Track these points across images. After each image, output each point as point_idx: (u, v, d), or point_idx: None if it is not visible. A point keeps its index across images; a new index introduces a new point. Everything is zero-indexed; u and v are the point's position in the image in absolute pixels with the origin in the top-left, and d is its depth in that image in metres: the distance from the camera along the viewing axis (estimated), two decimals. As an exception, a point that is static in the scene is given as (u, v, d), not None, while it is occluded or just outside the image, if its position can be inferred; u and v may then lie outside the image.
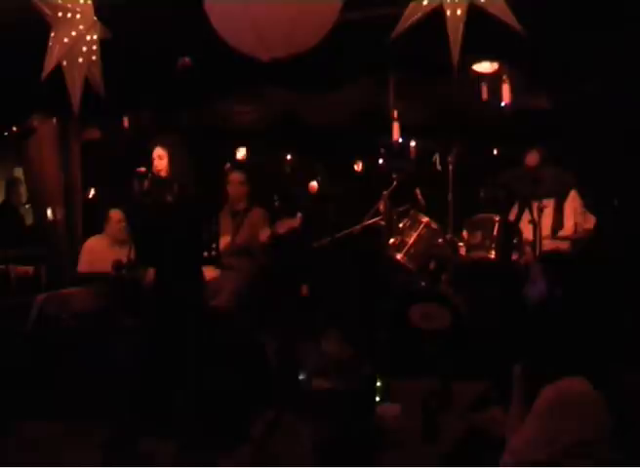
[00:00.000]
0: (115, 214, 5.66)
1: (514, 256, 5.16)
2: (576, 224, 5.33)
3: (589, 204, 5.42)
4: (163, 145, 4.92)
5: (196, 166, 4.95)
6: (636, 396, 2.47)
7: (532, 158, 5.42)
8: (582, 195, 5.41)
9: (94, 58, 4.14)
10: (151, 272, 4.82)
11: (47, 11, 3.97)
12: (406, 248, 5.23)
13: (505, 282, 4.93)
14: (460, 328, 4.79)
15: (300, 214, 5.16)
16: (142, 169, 4.69)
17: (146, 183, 4.66)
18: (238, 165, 6.02)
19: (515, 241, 5.20)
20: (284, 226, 5.22)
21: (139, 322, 4.50)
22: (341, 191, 7.20)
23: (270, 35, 3.50)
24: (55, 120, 6.31)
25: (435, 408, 3.12)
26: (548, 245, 5.15)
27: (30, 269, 6.07)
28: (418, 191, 5.60)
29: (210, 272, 5.01)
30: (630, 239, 5.33)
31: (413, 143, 6.85)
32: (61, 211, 6.42)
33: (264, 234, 5.30)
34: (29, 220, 7.04)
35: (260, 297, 5.28)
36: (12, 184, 7.19)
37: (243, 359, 3.31)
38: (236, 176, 5.67)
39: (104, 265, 5.12)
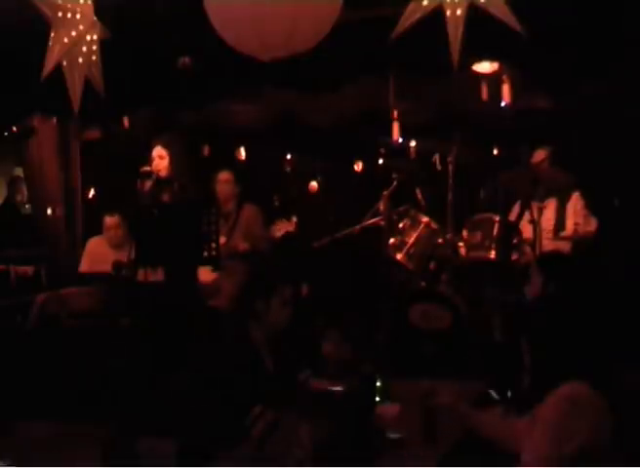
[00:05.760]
0: (109, 220, 5.54)
1: (514, 256, 5.16)
2: (576, 225, 5.33)
3: (592, 205, 5.41)
4: (163, 145, 4.93)
5: (196, 166, 4.96)
6: (636, 396, 2.47)
7: (539, 156, 5.39)
8: (585, 196, 5.40)
9: (94, 58, 4.14)
10: (151, 272, 4.83)
11: (47, 11, 3.96)
12: (406, 248, 5.23)
13: (505, 282, 4.93)
14: (459, 328, 4.79)
15: (294, 218, 5.14)
16: (147, 168, 4.68)
17: (148, 183, 4.67)
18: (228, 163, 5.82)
19: (515, 241, 5.19)
20: (280, 230, 5.20)
21: (139, 322, 4.49)
22: (341, 191, 7.21)
23: (270, 35, 3.50)
24: (55, 120, 6.32)
25: (434, 407, 3.11)
26: (549, 245, 5.15)
27: (30, 269, 6.07)
28: (418, 191, 5.60)
29: (209, 273, 5.00)
30: (631, 240, 5.33)
31: (413, 143, 6.84)
32: (61, 210, 6.42)
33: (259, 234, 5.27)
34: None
35: (259, 298, 5.27)
36: (14, 183, 7.19)
37: (242, 359, 3.31)
38: (224, 175, 5.38)
39: (105, 265, 5.11)
